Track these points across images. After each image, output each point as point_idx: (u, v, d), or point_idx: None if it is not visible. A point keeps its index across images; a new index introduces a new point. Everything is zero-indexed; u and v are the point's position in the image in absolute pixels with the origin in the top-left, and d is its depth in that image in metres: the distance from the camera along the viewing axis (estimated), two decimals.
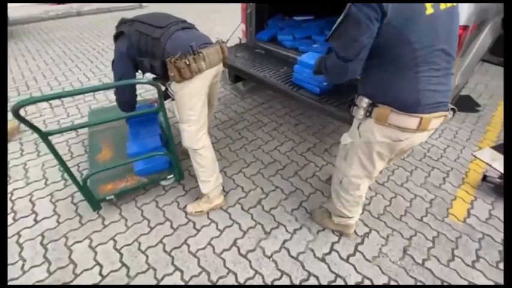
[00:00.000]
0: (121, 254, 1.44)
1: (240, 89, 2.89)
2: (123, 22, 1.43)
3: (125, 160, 1.64)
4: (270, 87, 1.86)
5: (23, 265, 1.39)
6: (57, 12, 5.65)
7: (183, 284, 1.31)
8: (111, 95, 2.91)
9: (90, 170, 1.65)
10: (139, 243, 1.49)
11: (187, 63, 1.24)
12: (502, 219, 1.67)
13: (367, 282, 1.34)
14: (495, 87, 3.26)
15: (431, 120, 0.95)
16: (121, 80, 1.35)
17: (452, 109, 1.03)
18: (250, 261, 1.42)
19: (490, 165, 2.09)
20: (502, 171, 2.00)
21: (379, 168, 1.17)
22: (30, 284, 1.31)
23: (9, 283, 1.31)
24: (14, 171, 1.93)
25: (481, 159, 2.15)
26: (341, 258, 1.44)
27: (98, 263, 1.40)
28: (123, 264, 1.39)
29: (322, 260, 1.43)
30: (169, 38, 1.29)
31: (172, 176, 1.68)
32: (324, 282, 1.33)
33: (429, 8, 0.85)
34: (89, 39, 4.52)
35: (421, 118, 0.94)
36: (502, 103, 2.96)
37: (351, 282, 1.34)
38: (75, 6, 6.12)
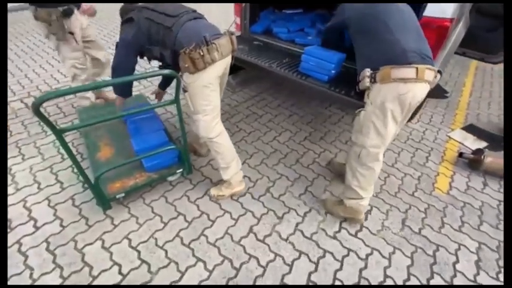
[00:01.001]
0: (138, 252, 1.42)
1: (231, 82, 2.89)
2: (130, 9, 1.38)
3: (129, 157, 1.60)
4: (277, 77, 1.91)
5: (31, 274, 1.31)
6: (20, 4, 5.07)
7: (207, 272, 1.34)
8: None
9: (94, 169, 1.58)
10: (156, 239, 1.48)
11: (202, 54, 1.25)
12: (478, 189, 1.92)
13: (375, 253, 1.48)
14: (458, 76, 3.65)
15: (425, 71, 1.13)
16: (119, 65, 1.38)
17: (438, 71, 1.21)
18: (269, 245, 1.48)
19: (462, 144, 2.38)
20: (473, 148, 2.29)
21: (393, 132, 1.29)
22: None
23: None
24: None
25: (454, 139, 2.42)
26: (350, 234, 1.57)
27: (116, 263, 1.36)
28: (143, 261, 1.38)
29: (334, 237, 1.55)
30: (181, 28, 1.29)
31: (181, 170, 1.67)
32: (339, 257, 1.45)
33: None
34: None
35: (417, 68, 1.12)
36: (465, 89, 3.33)
37: (362, 255, 1.47)
38: None
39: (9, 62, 3.24)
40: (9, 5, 4.86)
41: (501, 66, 3.30)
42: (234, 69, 1.70)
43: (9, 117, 2.30)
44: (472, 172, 2.06)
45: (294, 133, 2.36)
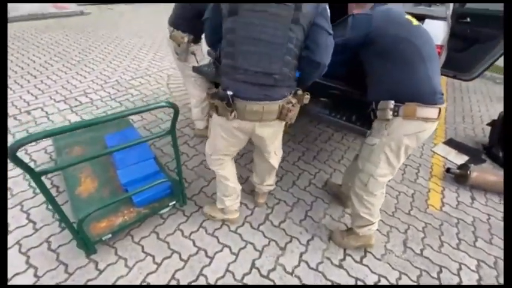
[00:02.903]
0: None
1: None
2: None
3: (115, 190, 1.45)
4: None
5: None
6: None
7: None
8: (68, 115, 2.53)
9: (74, 207, 1.41)
10: (148, 284, 1.32)
11: (214, 105, 1.18)
12: (468, 204, 1.98)
13: (383, 280, 1.44)
14: None
15: (443, 110, 1.16)
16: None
17: None
18: (273, 281, 1.39)
19: (446, 158, 2.47)
20: (457, 162, 2.39)
21: (401, 163, 1.28)
22: None
23: None
24: None
25: (438, 154, 2.52)
26: (355, 261, 1.52)
27: None
28: None
29: (340, 266, 1.49)
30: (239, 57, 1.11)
31: (173, 202, 1.54)
32: None
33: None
34: (24, 51, 3.83)
35: (440, 108, 1.12)
36: None
37: (370, 283, 1.42)
38: None
39: None
40: None
41: (470, 82, 3.57)
42: None
43: None
44: (460, 186, 2.14)
45: (287, 153, 2.32)
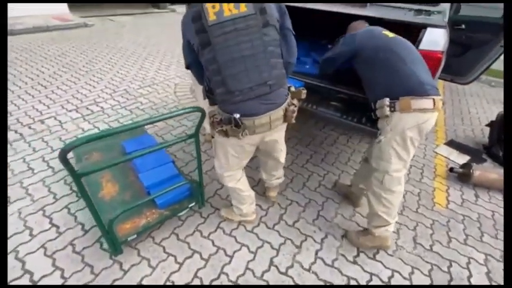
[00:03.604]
0: None
1: None
2: None
3: (136, 193, 1.51)
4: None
5: None
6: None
7: None
8: (81, 123, 2.60)
9: (101, 210, 1.46)
10: (173, 283, 1.37)
11: (223, 130, 1.19)
12: (472, 201, 2.06)
13: (396, 275, 1.49)
14: None
15: (439, 102, 1.24)
16: None
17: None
18: (292, 278, 1.44)
19: (448, 159, 2.56)
20: (459, 162, 2.47)
21: (412, 155, 1.34)
22: None
23: None
24: None
25: (441, 154, 2.61)
26: (369, 257, 1.58)
27: None
28: None
29: (354, 262, 1.55)
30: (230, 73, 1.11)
31: (193, 204, 1.60)
32: (363, 283, 1.44)
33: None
34: (33, 62, 3.92)
35: (433, 99, 1.21)
36: None
37: (384, 277, 1.48)
38: None
39: None
40: None
41: (467, 86, 3.71)
42: None
43: None
44: (463, 185, 2.22)
45: (296, 156, 2.40)
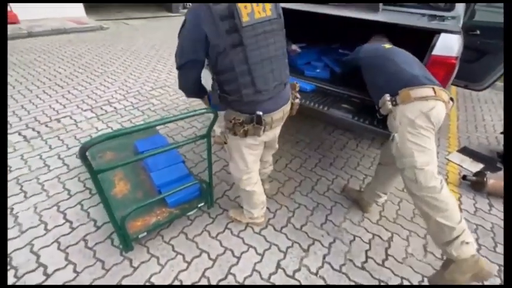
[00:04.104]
0: None
1: None
2: None
3: (148, 191, 1.54)
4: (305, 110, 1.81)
5: None
6: (19, 32, 5.00)
7: None
8: (95, 123, 2.68)
9: (113, 207, 1.50)
10: (181, 281, 1.39)
11: (245, 129, 1.21)
12: (486, 210, 2.01)
13: (406, 283, 1.47)
14: None
15: (441, 91, 1.24)
16: None
17: (451, 98, 1.30)
18: (299, 281, 1.43)
19: (461, 166, 2.51)
20: (472, 170, 2.42)
21: (434, 146, 1.24)
22: None
23: None
24: None
25: (453, 162, 2.56)
26: (377, 263, 1.56)
27: None
28: None
29: (362, 268, 1.53)
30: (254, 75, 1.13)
31: (202, 204, 1.63)
32: None
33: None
34: (51, 63, 4.07)
35: (433, 87, 1.23)
36: (452, 114, 3.58)
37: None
38: (24, 26, 5.48)
39: None
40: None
41: (481, 92, 3.63)
42: None
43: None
44: (476, 194, 2.16)
45: (304, 160, 2.40)
